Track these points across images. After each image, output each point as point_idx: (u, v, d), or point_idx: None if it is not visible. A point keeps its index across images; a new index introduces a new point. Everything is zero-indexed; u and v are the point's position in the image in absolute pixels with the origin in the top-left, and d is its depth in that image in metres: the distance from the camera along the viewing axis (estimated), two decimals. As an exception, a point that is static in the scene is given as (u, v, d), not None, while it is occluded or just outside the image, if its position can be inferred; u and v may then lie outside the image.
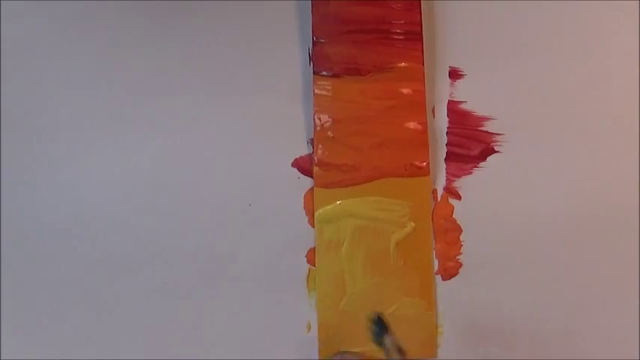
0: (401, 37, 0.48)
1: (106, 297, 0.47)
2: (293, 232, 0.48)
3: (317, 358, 0.46)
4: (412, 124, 0.48)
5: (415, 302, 0.47)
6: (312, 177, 0.48)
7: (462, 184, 0.48)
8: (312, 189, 0.48)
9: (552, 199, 0.48)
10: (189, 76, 0.49)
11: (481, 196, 0.48)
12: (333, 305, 0.47)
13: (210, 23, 0.49)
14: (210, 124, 0.48)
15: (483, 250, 0.47)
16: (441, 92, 0.49)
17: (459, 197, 0.48)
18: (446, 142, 0.49)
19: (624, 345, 0.47)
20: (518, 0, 0.49)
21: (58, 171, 0.48)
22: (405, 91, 0.48)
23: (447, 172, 0.48)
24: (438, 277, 0.47)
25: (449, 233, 0.48)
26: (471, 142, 0.49)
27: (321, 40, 0.48)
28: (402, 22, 0.48)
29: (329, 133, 0.48)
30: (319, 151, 0.48)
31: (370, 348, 0.45)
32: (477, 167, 0.48)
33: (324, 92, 0.48)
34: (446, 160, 0.49)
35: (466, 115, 0.49)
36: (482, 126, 0.49)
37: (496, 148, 0.48)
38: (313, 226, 0.47)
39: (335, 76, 0.48)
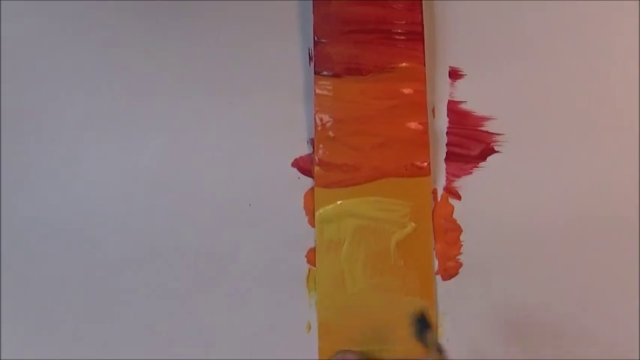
0: (402, 37, 0.48)
1: (106, 297, 0.47)
2: (293, 232, 0.48)
3: (317, 358, 0.47)
4: (413, 125, 0.48)
5: (415, 302, 0.47)
6: (312, 177, 0.48)
7: (462, 184, 0.48)
8: (312, 189, 0.48)
9: (552, 199, 0.48)
10: (189, 76, 0.49)
11: (481, 196, 0.48)
12: (333, 305, 0.47)
13: (211, 23, 0.49)
14: (211, 124, 0.48)
15: (483, 250, 0.48)
16: (441, 92, 0.49)
17: (459, 197, 0.48)
18: (446, 142, 0.49)
19: (624, 345, 0.47)
20: (519, 0, 0.49)
21: (58, 171, 0.48)
22: (406, 91, 0.48)
23: (447, 172, 0.48)
24: (438, 277, 0.47)
25: (449, 233, 0.48)
26: (471, 142, 0.49)
27: (323, 40, 0.48)
28: (404, 22, 0.48)
29: (330, 132, 0.48)
30: (320, 151, 0.47)
31: (370, 348, 0.46)
32: (477, 167, 0.48)
33: (325, 92, 0.48)
34: (446, 160, 0.49)
35: (466, 115, 0.49)
36: (482, 126, 0.49)
37: (496, 148, 0.48)
38: (313, 226, 0.47)
39: (336, 76, 0.48)
